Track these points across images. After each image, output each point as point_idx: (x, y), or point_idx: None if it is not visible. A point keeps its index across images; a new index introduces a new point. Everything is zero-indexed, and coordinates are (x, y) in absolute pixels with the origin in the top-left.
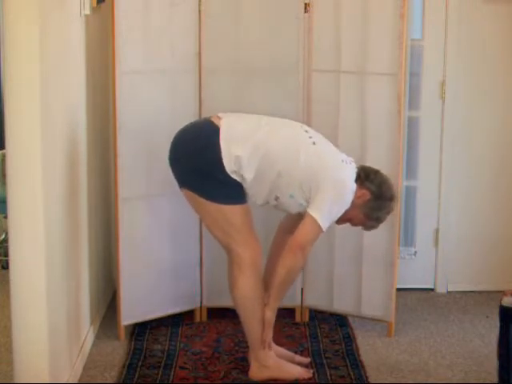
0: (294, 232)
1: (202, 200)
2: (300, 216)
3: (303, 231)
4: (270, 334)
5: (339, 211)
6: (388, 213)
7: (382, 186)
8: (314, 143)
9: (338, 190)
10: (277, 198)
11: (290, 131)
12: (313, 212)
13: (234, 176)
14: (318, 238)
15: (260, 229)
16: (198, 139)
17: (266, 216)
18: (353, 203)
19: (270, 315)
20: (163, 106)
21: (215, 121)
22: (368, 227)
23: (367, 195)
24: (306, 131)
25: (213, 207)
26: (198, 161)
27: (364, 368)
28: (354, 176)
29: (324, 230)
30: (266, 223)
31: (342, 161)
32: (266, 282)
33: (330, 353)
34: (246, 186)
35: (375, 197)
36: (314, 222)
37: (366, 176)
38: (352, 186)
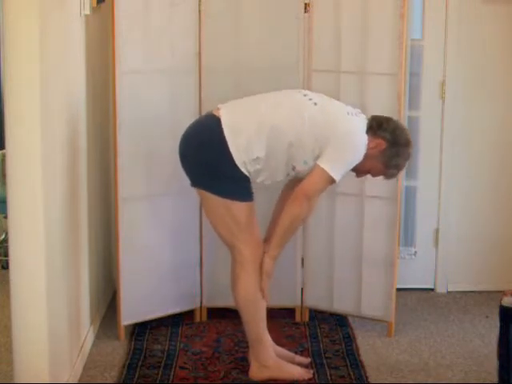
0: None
1: (210, 195)
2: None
3: (310, 180)
4: (267, 285)
5: (351, 162)
6: (406, 159)
7: (397, 131)
8: (315, 104)
9: (346, 141)
10: (294, 168)
11: (289, 100)
12: (321, 163)
13: (242, 169)
14: (325, 189)
15: (261, 226)
16: (202, 133)
17: (268, 214)
18: (369, 154)
19: (269, 262)
20: (163, 106)
21: (215, 112)
22: (388, 176)
23: (383, 144)
24: (305, 95)
25: (220, 202)
26: (204, 155)
27: (364, 368)
28: (363, 127)
29: (337, 179)
30: (267, 221)
31: (348, 113)
32: (268, 235)
33: (330, 353)
34: (260, 167)
35: (391, 144)
36: (322, 171)
37: (378, 125)
38: (362, 135)
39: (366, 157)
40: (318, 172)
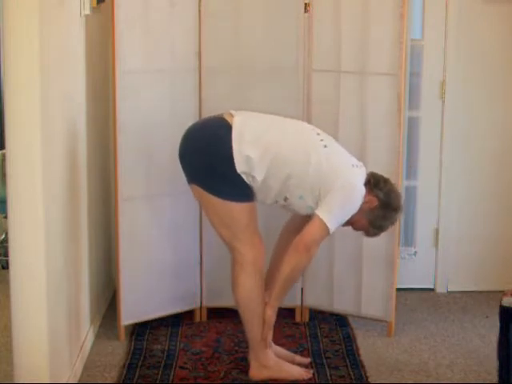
0: (300, 232)
1: (210, 196)
2: (306, 217)
3: (310, 231)
4: (270, 333)
5: (347, 214)
6: (392, 223)
7: (391, 194)
8: (325, 146)
9: (347, 193)
10: (286, 199)
11: (301, 133)
12: (321, 213)
13: (243, 176)
14: (323, 240)
15: (261, 228)
16: (211, 136)
17: (268, 215)
18: (359, 208)
19: (271, 314)
20: (163, 106)
21: (228, 118)
22: (370, 234)
23: (374, 202)
24: (318, 134)
25: (219, 203)
26: (208, 157)
27: (364, 368)
28: (363, 180)
29: (331, 231)
30: (268, 222)
31: (353, 165)
32: (268, 281)
33: (330, 353)
34: (255, 186)
35: (382, 205)
36: (322, 223)
37: (375, 183)
38: (361, 189)
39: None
40: (317, 223)
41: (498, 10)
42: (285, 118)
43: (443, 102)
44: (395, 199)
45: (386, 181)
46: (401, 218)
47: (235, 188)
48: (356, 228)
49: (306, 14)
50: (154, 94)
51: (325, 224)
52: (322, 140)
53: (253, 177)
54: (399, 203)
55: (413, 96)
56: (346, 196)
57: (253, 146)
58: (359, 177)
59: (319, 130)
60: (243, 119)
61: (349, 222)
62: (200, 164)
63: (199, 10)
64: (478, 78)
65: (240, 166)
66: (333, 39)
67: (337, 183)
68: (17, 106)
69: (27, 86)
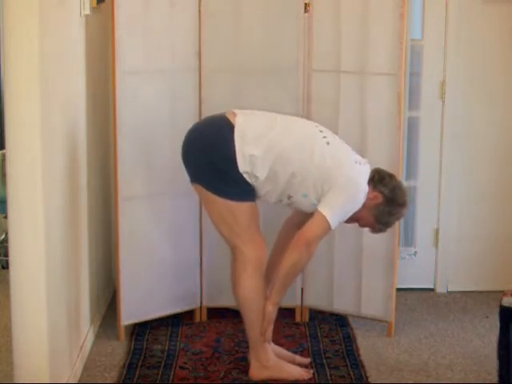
0: (302, 227)
1: (212, 195)
2: (308, 214)
3: (311, 227)
4: (269, 329)
5: (350, 211)
6: (398, 218)
7: (396, 190)
8: (328, 143)
9: (350, 190)
10: (290, 197)
11: (304, 131)
12: (323, 209)
13: (245, 176)
14: (324, 236)
15: (261, 224)
16: (213, 135)
17: (268, 214)
18: (364, 204)
19: (271, 309)
20: (163, 106)
21: (230, 117)
22: (376, 230)
23: (379, 198)
24: (321, 131)
25: (221, 203)
26: (211, 156)
27: (364, 368)
28: (367, 177)
29: (333, 227)
30: (268, 221)
31: (356, 162)
32: (268, 276)
33: (330, 353)
34: (258, 185)
35: (387, 201)
36: (323, 219)
37: (380, 179)
38: (364, 186)
39: (362, 206)
40: (319, 219)
41: (498, 10)
42: (288, 116)
43: (443, 102)
44: (401, 195)
45: (391, 177)
46: (406, 213)
47: (238, 187)
48: (362, 224)
49: (306, 14)
50: (154, 94)
51: (326, 220)
52: (324, 137)
53: (255, 176)
54: (405, 199)
55: (413, 96)
56: (348, 193)
57: (256, 145)
58: (362, 174)
59: (322, 127)
60: (245, 118)
61: (355, 219)
62: (202, 163)
63: (199, 10)
64: (478, 77)
65: (242, 166)
66: (333, 39)
67: (339, 180)
68: (17, 106)
69: (27, 86)
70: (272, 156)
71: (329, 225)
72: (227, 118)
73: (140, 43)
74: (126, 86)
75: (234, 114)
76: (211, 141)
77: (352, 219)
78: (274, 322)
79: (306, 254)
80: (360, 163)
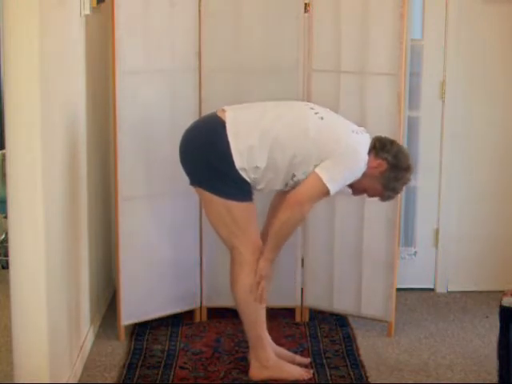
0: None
1: (210, 195)
2: None
3: (304, 187)
4: (262, 287)
5: (349, 178)
6: (404, 183)
7: (399, 155)
8: (321, 118)
9: (348, 158)
10: (293, 177)
11: (295, 112)
12: (319, 171)
13: (242, 173)
14: (319, 198)
15: (259, 222)
16: (206, 134)
17: (265, 209)
18: (369, 173)
19: (263, 265)
20: (163, 106)
21: (220, 114)
22: (385, 198)
23: (384, 165)
24: (312, 108)
25: (219, 203)
26: (206, 156)
27: (364, 368)
28: (366, 145)
29: (331, 191)
30: (265, 213)
31: (353, 131)
32: (263, 238)
33: (330, 353)
34: (259, 177)
35: (392, 167)
36: (318, 179)
37: (381, 146)
38: (364, 155)
39: (366, 176)
40: (313, 178)
41: (498, 10)
42: (277, 102)
43: (443, 102)
44: (404, 159)
45: (392, 142)
46: (412, 177)
47: (235, 187)
48: (370, 194)
49: (306, 14)
50: (154, 94)
51: (321, 180)
52: (316, 113)
53: (256, 167)
54: (409, 162)
55: (413, 96)
56: (346, 161)
57: (250, 136)
58: (360, 141)
59: (313, 105)
60: (235, 113)
61: (362, 190)
62: (199, 163)
63: (199, 10)
64: (478, 77)
65: (239, 162)
66: (333, 39)
67: (336, 148)
68: (17, 106)
69: (27, 86)
70: (268, 141)
71: (324, 185)
72: (218, 116)
73: (140, 43)
74: (126, 86)
75: (224, 111)
76: (205, 140)
77: (359, 190)
78: (270, 280)
79: (298, 213)
80: (357, 132)
